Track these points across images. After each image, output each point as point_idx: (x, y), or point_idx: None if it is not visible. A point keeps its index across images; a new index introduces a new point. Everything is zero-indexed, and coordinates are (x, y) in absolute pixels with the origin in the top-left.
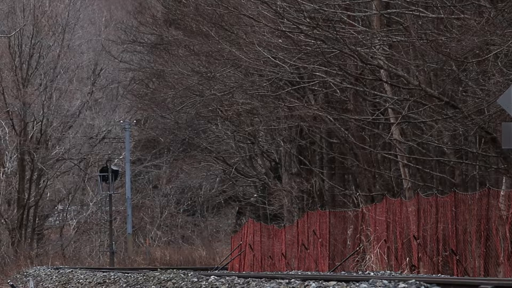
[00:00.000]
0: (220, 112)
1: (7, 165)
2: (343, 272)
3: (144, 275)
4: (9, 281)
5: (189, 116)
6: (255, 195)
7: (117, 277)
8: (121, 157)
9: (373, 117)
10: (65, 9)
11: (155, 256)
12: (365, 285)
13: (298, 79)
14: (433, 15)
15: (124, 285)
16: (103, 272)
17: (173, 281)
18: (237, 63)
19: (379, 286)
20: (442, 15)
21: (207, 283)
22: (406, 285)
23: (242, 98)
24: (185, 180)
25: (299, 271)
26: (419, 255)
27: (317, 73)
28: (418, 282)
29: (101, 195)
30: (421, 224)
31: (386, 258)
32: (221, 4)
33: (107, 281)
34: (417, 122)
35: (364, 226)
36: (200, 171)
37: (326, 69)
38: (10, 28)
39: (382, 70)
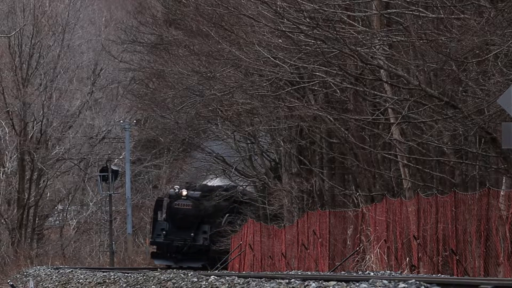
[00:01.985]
0: (220, 112)
1: (7, 165)
2: (343, 272)
3: (144, 275)
4: (9, 281)
5: (189, 116)
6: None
7: (117, 277)
8: (121, 157)
9: (373, 117)
10: (65, 9)
11: None
12: (365, 285)
13: (298, 79)
14: (433, 15)
15: (124, 285)
16: (103, 272)
17: (173, 281)
18: (237, 63)
19: (379, 286)
20: (442, 15)
21: (207, 283)
22: (406, 285)
23: (242, 98)
24: (185, 180)
25: (299, 271)
26: (419, 255)
27: (317, 73)
28: (418, 282)
29: (101, 195)
30: (421, 224)
31: (386, 258)
32: (221, 4)
33: (107, 281)
34: (417, 122)
35: (364, 226)
36: (200, 171)
37: (326, 69)
38: (10, 28)
39: (382, 70)
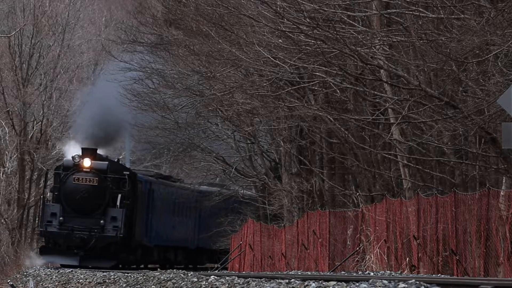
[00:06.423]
0: (220, 112)
1: (7, 165)
2: (343, 272)
3: (144, 275)
4: (9, 281)
5: (189, 116)
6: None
7: (117, 277)
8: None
9: (373, 117)
10: (65, 9)
11: None
12: (365, 285)
13: (298, 79)
14: (433, 15)
15: (124, 285)
16: (103, 272)
17: (173, 281)
18: (237, 63)
19: (379, 286)
20: (442, 15)
21: (207, 283)
22: (406, 285)
23: (242, 98)
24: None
25: (299, 271)
26: (419, 255)
27: (317, 73)
28: (418, 282)
29: None
30: (421, 224)
31: (386, 258)
32: (221, 4)
33: (107, 281)
34: (417, 122)
35: (364, 226)
36: (200, 171)
37: (326, 69)
38: (10, 28)
39: (382, 70)
